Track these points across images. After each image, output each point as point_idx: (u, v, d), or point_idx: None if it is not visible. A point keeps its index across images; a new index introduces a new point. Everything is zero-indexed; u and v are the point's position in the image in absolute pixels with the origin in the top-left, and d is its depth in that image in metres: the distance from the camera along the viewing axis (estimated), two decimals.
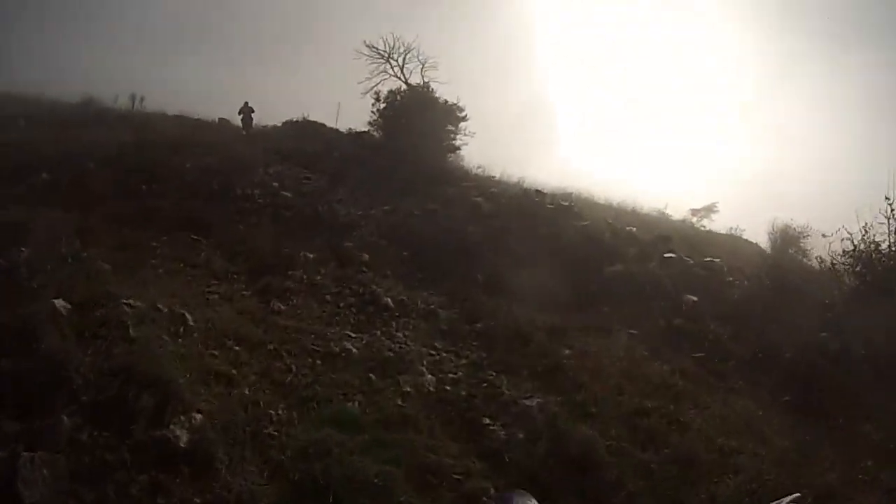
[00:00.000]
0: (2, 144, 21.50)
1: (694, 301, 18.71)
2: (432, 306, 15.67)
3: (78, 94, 31.75)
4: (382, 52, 29.71)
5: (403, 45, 29.78)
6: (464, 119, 28.44)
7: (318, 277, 16.02)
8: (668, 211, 30.69)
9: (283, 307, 14.00)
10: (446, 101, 28.05)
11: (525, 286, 17.32)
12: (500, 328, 14.74)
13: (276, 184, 21.72)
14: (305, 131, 29.46)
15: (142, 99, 32.11)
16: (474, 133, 28.20)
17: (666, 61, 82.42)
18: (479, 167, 30.34)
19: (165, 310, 11.98)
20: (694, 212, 31.47)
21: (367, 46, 29.76)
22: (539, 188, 27.28)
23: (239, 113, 29.76)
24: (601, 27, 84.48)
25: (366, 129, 28.85)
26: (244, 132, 29.27)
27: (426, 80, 29.28)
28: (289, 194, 21.11)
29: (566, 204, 23.98)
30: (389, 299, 15.30)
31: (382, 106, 27.88)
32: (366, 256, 17.88)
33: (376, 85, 29.04)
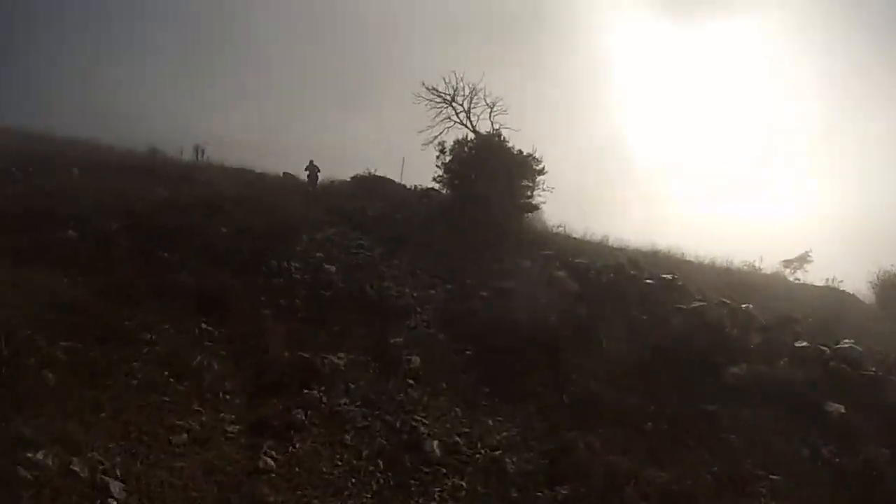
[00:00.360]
0: (46, 193, 18.70)
1: (841, 413, 13.24)
2: (498, 451, 10.18)
3: (151, 142, 28.98)
4: (444, 95, 23.25)
5: (468, 86, 23.29)
6: (541, 172, 21.83)
7: (343, 401, 10.85)
8: (760, 264, 24.62)
9: (275, 460, 8.91)
10: (520, 152, 21.74)
11: (624, 407, 11.71)
12: (595, 496, 9.15)
13: (320, 254, 16.85)
14: (371, 188, 24.53)
15: (203, 151, 28.21)
16: (553, 188, 22.18)
17: (735, 98, 73.15)
18: (559, 226, 24.77)
19: (85, 472, 7.33)
20: (786, 263, 25.02)
21: (427, 89, 23.44)
22: (628, 252, 21.67)
23: (305, 170, 25.46)
24: (667, 64, 76.04)
25: (432, 186, 23.35)
26: (309, 189, 24.85)
27: (496, 126, 22.89)
28: (333, 268, 16.16)
29: (668, 278, 18.03)
30: (436, 443, 9.93)
31: (448, 158, 21.79)
32: (416, 360, 12.61)
33: (441, 134, 22.89)
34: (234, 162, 27.36)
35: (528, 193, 22.07)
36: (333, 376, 11.37)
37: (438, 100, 23.38)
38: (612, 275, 17.84)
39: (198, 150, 28.03)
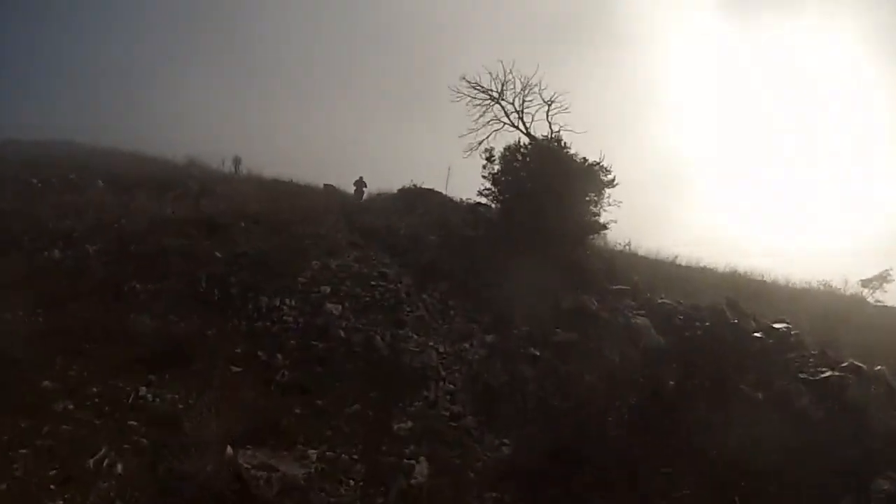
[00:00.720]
0: (57, 206, 16.31)
1: None
2: None
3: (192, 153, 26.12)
4: (490, 91, 17.48)
5: (520, 80, 17.50)
6: (610, 184, 16.38)
7: None
8: (837, 284, 19.49)
9: None
10: (585, 160, 16.37)
11: None
12: None
13: (326, 288, 12.31)
14: (414, 202, 19.98)
15: (239, 162, 24.78)
16: (621, 202, 16.54)
17: (808, 110, 63.93)
18: (624, 244, 19.45)
19: None
20: (865, 283, 19.48)
21: (469, 83, 17.61)
22: (723, 287, 16.05)
23: (354, 184, 22.38)
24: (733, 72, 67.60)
25: (480, 201, 18.05)
26: (355, 202, 20.78)
27: (555, 128, 17.12)
28: (336, 310, 11.57)
29: (780, 329, 12.48)
30: None
31: (496, 168, 16.53)
32: (422, 467, 7.79)
33: (487, 138, 17.40)
34: (273, 173, 23.75)
35: (594, 210, 16.77)
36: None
37: (483, 96, 17.60)
38: (707, 322, 12.48)
39: (236, 161, 24.77)
